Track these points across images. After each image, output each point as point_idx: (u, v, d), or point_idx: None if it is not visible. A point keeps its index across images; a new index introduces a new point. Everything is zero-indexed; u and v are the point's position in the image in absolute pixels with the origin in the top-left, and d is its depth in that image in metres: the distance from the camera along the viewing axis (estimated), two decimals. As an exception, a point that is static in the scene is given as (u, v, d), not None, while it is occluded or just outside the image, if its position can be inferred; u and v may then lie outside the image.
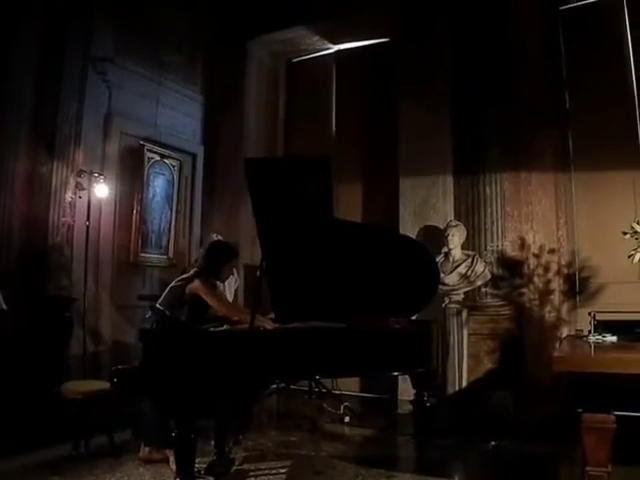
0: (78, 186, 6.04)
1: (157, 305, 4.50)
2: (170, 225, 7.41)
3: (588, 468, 3.31)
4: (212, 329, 4.22)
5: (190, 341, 3.59)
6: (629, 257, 3.93)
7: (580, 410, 3.30)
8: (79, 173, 6.07)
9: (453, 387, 5.83)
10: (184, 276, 4.53)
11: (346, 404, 6.10)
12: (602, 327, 4.25)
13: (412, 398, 4.94)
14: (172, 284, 4.51)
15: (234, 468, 4.45)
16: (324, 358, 3.82)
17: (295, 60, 8.50)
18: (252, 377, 3.57)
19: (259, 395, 4.38)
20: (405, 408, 5.86)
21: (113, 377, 3.79)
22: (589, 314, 4.39)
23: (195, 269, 4.58)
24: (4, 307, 5.09)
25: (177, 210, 7.49)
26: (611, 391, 3.24)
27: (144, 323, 4.61)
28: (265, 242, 4.19)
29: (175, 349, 3.50)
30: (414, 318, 4.74)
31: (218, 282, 4.83)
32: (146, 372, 3.56)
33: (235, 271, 7.10)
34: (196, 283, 4.34)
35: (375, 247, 4.42)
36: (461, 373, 5.85)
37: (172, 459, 4.13)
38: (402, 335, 4.23)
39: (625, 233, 4.02)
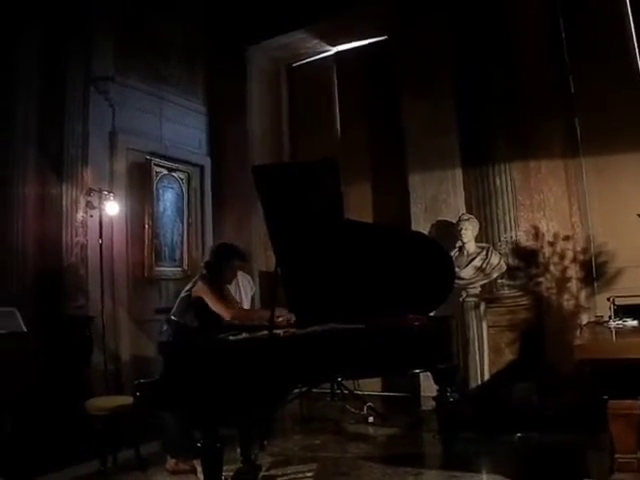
0: (89, 205, 6.09)
1: (171, 317, 4.52)
2: (182, 237, 7.44)
3: (617, 455, 3.29)
4: (231, 337, 4.22)
5: (207, 351, 3.60)
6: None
7: (605, 397, 3.28)
8: (88, 192, 6.11)
9: (475, 381, 5.78)
10: (190, 284, 4.54)
11: (369, 404, 6.09)
12: (622, 312, 4.22)
13: (434, 394, 4.92)
14: (182, 294, 4.53)
15: (261, 474, 4.44)
16: (345, 360, 3.82)
17: (295, 64, 8.51)
18: (274, 384, 3.56)
19: (282, 401, 4.38)
20: (428, 405, 5.84)
21: (136, 391, 3.81)
22: (608, 299, 4.37)
23: (200, 273, 4.59)
24: (24, 329, 5.15)
25: (188, 222, 7.52)
26: (635, 376, 3.22)
27: (161, 336, 4.63)
28: (278, 247, 4.20)
29: (194, 360, 3.51)
30: (433, 314, 4.74)
31: (227, 285, 4.84)
32: (167, 384, 3.57)
33: (250, 278, 7.15)
34: (199, 285, 4.38)
35: (389, 246, 4.41)
36: (482, 366, 5.80)
37: (199, 469, 4.13)
38: (422, 332, 4.22)
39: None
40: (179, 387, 3.50)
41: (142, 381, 3.78)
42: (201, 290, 4.34)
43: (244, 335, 4.20)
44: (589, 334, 3.99)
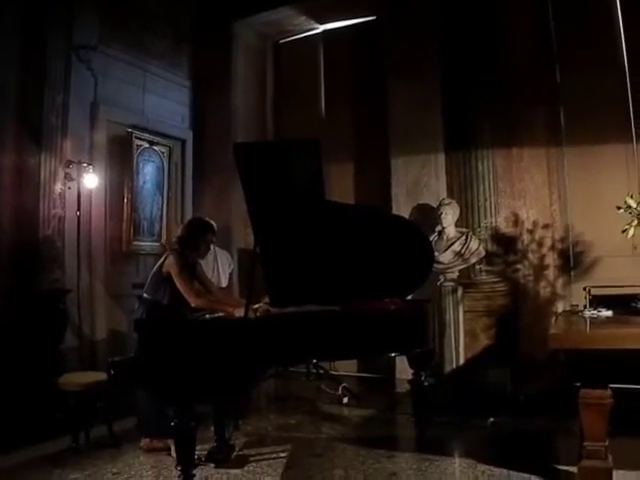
0: (67, 177, 5.96)
1: (143, 294, 4.48)
2: (162, 212, 7.35)
3: (586, 443, 3.36)
4: (207, 316, 4.20)
5: (181, 330, 3.58)
6: (623, 232, 3.94)
7: (577, 385, 3.33)
8: (67, 164, 5.98)
9: (450, 365, 5.85)
10: (162, 259, 4.47)
11: (344, 385, 6.12)
12: (597, 302, 4.27)
13: (410, 377, 4.95)
14: (153, 269, 4.48)
15: (235, 454, 4.46)
16: (320, 342, 3.81)
17: (282, 41, 8.41)
18: (248, 363, 3.55)
19: (257, 381, 4.38)
20: (403, 387, 5.87)
21: (110, 369, 3.77)
22: (584, 289, 4.42)
23: (171, 248, 4.54)
24: (-4, 301, 5.09)
25: (168, 197, 7.43)
26: (607, 366, 3.27)
27: (134, 314, 4.58)
28: (258, 227, 4.14)
29: (168, 339, 3.49)
30: (410, 298, 4.75)
31: (203, 263, 4.79)
32: (141, 363, 3.55)
33: (229, 255, 7.11)
34: (169, 259, 4.31)
35: (368, 228, 4.37)
36: (458, 351, 5.87)
37: (173, 447, 4.12)
38: (398, 316, 4.23)
39: (619, 208, 4.02)
40: (153, 365, 3.48)
41: (116, 359, 3.75)
42: (170, 265, 4.27)
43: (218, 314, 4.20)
44: (564, 323, 4.04)
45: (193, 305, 4.18)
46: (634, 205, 3.93)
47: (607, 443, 3.33)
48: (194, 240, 4.47)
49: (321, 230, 4.20)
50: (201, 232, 4.54)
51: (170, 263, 4.28)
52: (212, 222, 4.73)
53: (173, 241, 4.70)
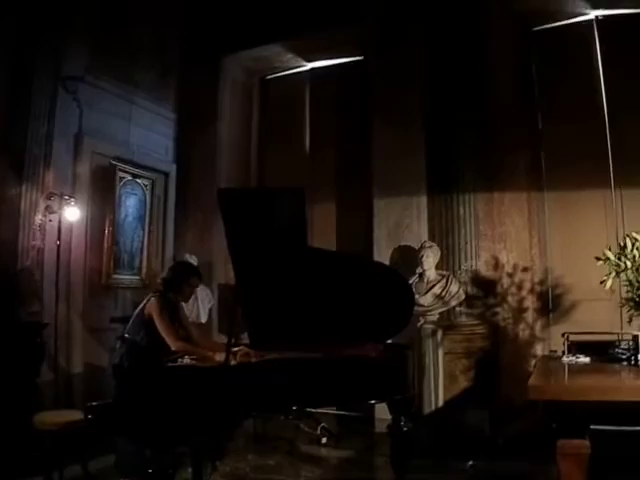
0: (48, 209, 5.91)
1: (125, 334, 4.42)
2: (142, 245, 7.33)
3: (564, 492, 3.35)
4: (185, 363, 4.16)
5: (160, 377, 3.56)
6: (601, 283, 3.98)
7: (555, 427, 3.34)
8: (49, 196, 5.94)
9: (430, 407, 5.83)
10: (145, 300, 4.43)
11: (323, 425, 6.06)
12: (575, 348, 4.31)
13: (388, 417, 4.89)
14: (136, 311, 4.44)
15: (212, 497, 4.40)
16: (300, 389, 3.78)
17: (269, 77, 8.49)
18: (226, 412, 3.51)
19: (235, 428, 4.33)
20: (382, 427, 5.76)
21: (87, 414, 3.70)
22: (562, 335, 4.45)
23: (155, 289, 4.51)
24: (-27, 335, 5.00)
25: (149, 230, 7.42)
26: (585, 417, 3.29)
27: (115, 354, 4.52)
28: (239, 271, 4.14)
29: (146, 386, 3.46)
30: (390, 342, 4.75)
31: (187, 307, 4.77)
32: (119, 409, 3.50)
33: (209, 291, 7.10)
34: (152, 302, 4.25)
35: (349, 274, 4.39)
36: (437, 392, 5.86)
37: (149, 489, 4.06)
38: (379, 364, 4.21)
39: (598, 259, 4.08)
40: (131, 412, 3.43)
41: (94, 403, 3.68)
42: (153, 308, 4.21)
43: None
44: (543, 372, 4.06)
45: (173, 348, 4.13)
46: (612, 257, 3.99)
47: (586, 492, 3.33)
48: (179, 283, 4.43)
49: (303, 276, 4.21)
50: (186, 276, 4.50)
51: (152, 305, 4.22)
52: (197, 267, 4.75)
53: (158, 282, 4.66)
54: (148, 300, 4.34)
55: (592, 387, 3.42)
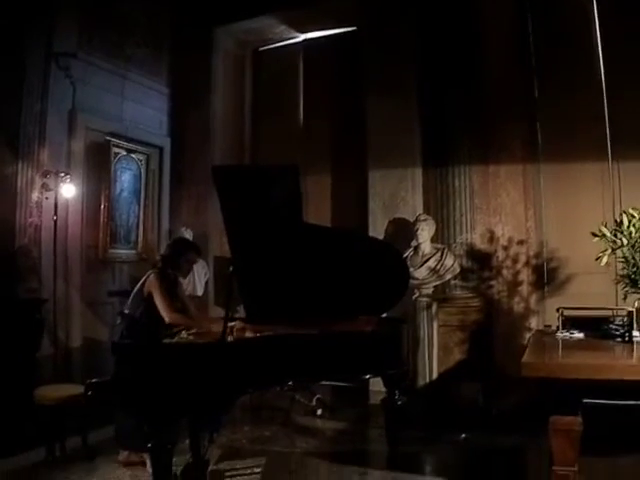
0: (44, 187, 5.93)
1: (125, 310, 4.49)
2: (138, 220, 7.36)
3: (555, 467, 3.42)
4: (182, 339, 4.22)
5: (158, 355, 3.61)
6: (597, 259, 4.01)
7: (547, 403, 3.40)
8: (45, 174, 5.96)
9: (424, 379, 5.92)
10: (144, 277, 4.50)
11: (318, 396, 6.16)
12: (570, 323, 4.35)
13: (383, 389, 4.97)
14: (136, 287, 4.50)
15: (210, 469, 4.48)
16: (296, 365, 3.86)
17: (262, 49, 8.41)
18: (224, 388, 3.58)
19: (232, 404, 4.42)
20: (376, 398, 5.90)
21: (87, 390, 3.77)
22: (557, 310, 4.48)
23: (154, 267, 4.58)
24: (-27, 312, 5.06)
25: (145, 204, 7.44)
26: (578, 394, 3.34)
27: (115, 330, 4.59)
28: (235, 247, 4.20)
29: (145, 363, 3.51)
30: (385, 315, 4.81)
31: (184, 281, 4.83)
32: (119, 386, 3.56)
33: (205, 264, 7.14)
34: (151, 279, 4.35)
35: (344, 249, 4.47)
36: (431, 365, 5.93)
37: (149, 462, 4.15)
38: (374, 338, 4.27)
39: (594, 235, 4.09)
40: (131, 389, 3.50)
41: (94, 380, 3.74)
42: (152, 285, 4.31)
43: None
44: (536, 348, 4.10)
45: (168, 321, 4.21)
46: (608, 234, 4.00)
47: (576, 468, 3.40)
48: (177, 259, 4.52)
49: (298, 251, 4.27)
50: (184, 251, 4.58)
51: (151, 282, 4.32)
52: (195, 243, 4.84)
53: (156, 259, 4.72)
54: (147, 277, 4.41)
55: (585, 365, 3.44)
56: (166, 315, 4.22)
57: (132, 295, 4.49)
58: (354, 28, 7.57)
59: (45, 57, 6.16)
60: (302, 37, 8.10)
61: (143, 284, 4.40)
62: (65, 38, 6.37)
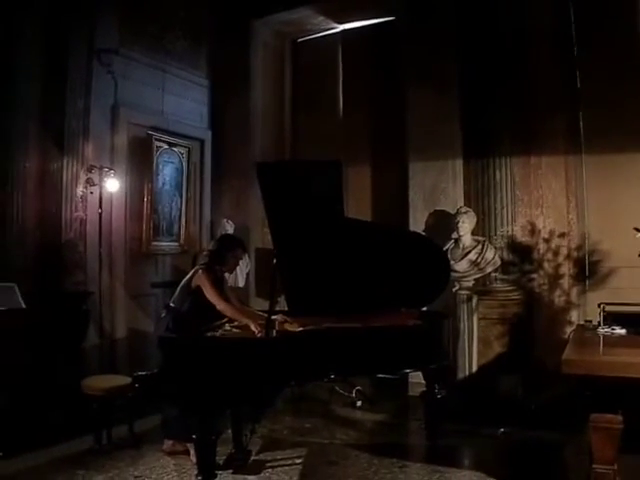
0: (89, 182, 6.09)
1: (171, 304, 4.60)
2: (180, 212, 7.47)
3: (595, 465, 3.41)
4: (227, 327, 4.32)
5: (205, 349, 3.71)
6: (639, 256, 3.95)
7: (588, 393, 3.39)
8: (89, 169, 6.11)
9: (463, 372, 5.92)
10: (191, 273, 4.61)
11: (358, 388, 6.20)
12: (611, 319, 4.30)
13: (422, 381, 5.00)
14: (182, 282, 4.61)
15: (251, 459, 4.58)
16: (338, 360, 3.90)
17: (300, 40, 8.41)
18: (268, 381, 3.67)
19: (276, 396, 4.50)
20: (416, 390, 5.90)
21: (135, 382, 3.90)
22: (599, 306, 4.43)
23: (201, 262, 4.68)
24: (22, 305, 5.21)
25: (187, 197, 7.55)
26: (619, 392, 3.32)
27: (160, 323, 4.70)
28: (279, 242, 4.26)
29: (192, 357, 3.61)
30: (427, 309, 4.83)
31: (226, 275, 4.92)
32: (166, 379, 3.67)
33: (246, 255, 7.22)
34: (199, 274, 4.45)
35: (385, 244, 4.49)
36: (471, 358, 5.93)
37: (193, 452, 4.27)
38: (416, 333, 4.29)
39: (637, 230, 4.03)
40: (178, 382, 3.60)
41: (141, 373, 3.86)
42: (200, 279, 4.42)
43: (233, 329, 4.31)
44: (577, 344, 4.07)
45: (220, 309, 4.33)
46: (652, 230, 3.94)
47: (616, 467, 3.38)
48: (224, 255, 4.65)
49: (340, 246, 4.32)
50: (231, 248, 4.72)
51: (200, 277, 4.42)
52: (241, 239, 5.00)
53: (203, 254, 4.85)
54: (195, 272, 4.52)
55: (627, 363, 3.41)
56: (218, 304, 4.34)
57: (178, 289, 4.60)
58: (392, 18, 7.50)
59: (87, 54, 6.28)
60: (340, 28, 8.06)
61: (190, 279, 4.51)
62: (106, 35, 6.49)
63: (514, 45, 6.21)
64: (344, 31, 8.07)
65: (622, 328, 4.10)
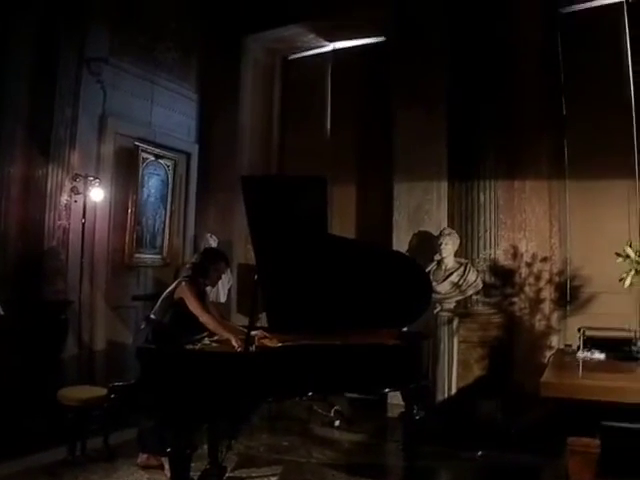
0: (74, 190, 6.04)
1: (151, 315, 4.56)
2: (164, 225, 7.43)
3: (571, 489, 3.41)
4: (206, 341, 4.29)
5: (182, 362, 3.67)
6: (620, 280, 3.99)
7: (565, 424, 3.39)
8: (74, 177, 6.06)
9: (442, 394, 5.91)
10: (174, 285, 4.59)
11: (336, 408, 6.17)
12: (591, 343, 4.32)
13: (401, 402, 4.97)
14: (164, 293, 4.58)
15: (226, 475, 4.53)
16: (316, 378, 3.87)
17: (291, 57, 8.47)
18: (245, 396, 3.63)
19: (252, 412, 4.46)
20: (394, 412, 5.93)
21: (111, 393, 3.85)
22: (578, 330, 4.46)
23: (184, 274, 4.67)
24: (1, 312, 5.14)
25: (171, 210, 7.52)
26: (596, 416, 3.33)
27: (139, 334, 4.66)
28: (260, 257, 4.23)
29: (169, 370, 3.57)
30: (407, 329, 4.82)
31: (208, 288, 4.90)
32: (142, 390, 3.62)
33: (229, 271, 7.18)
34: (182, 286, 4.44)
35: (368, 262, 4.47)
36: (450, 380, 5.92)
37: (167, 466, 4.21)
38: (395, 353, 4.27)
39: (618, 255, 4.07)
40: (154, 394, 3.56)
41: (117, 384, 3.81)
42: (184, 291, 4.40)
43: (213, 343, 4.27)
44: (556, 368, 4.08)
45: (202, 320, 4.30)
46: (632, 255, 3.98)
47: (593, 491, 3.39)
48: (207, 268, 4.64)
49: (322, 263, 4.29)
50: (214, 261, 4.71)
51: (183, 289, 4.41)
52: (224, 253, 4.99)
53: (186, 267, 4.85)
54: (178, 284, 4.50)
55: (605, 387, 3.44)
56: (202, 316, 4.32)
57: (160, 300, 4.57)
58: (383, 39, 7.59)
59: (77, 62, 6.26)
60: (331, 46, 8.12)
61: (173, 291, 4.49)
62: (97, 43, 6.48)
63: (501, 69, 6.30)
64: (334, 50, 8.13)
65: (601, 353, 4.13)
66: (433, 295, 5.40)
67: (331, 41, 8.09)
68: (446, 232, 6.09)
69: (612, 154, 5.99)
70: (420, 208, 6.64)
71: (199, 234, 7.70)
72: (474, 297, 6.11)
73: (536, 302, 6.07)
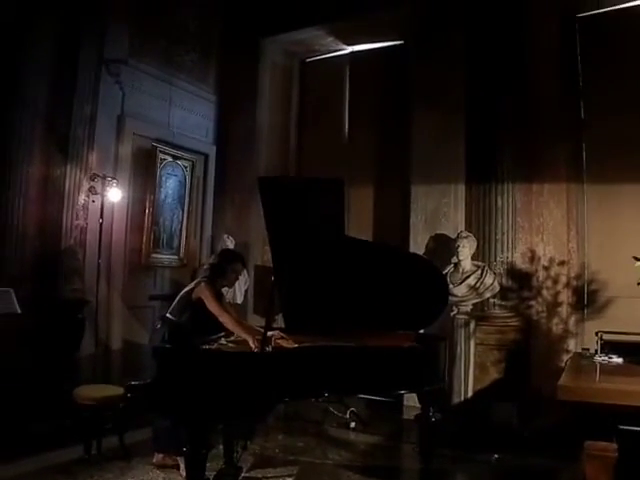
0: (91, 190, 6.09)
1: (167, 315, 4.58)
2: (182, 226, 7.47)
3: (589, 495, 3.38)
4: (223, 341, 4.30)
5: (200, 362, 3.67)
6: (638, 284, 3.94)
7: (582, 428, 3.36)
8: (92, 177, 6.11)
9: (459, 397, 5.87)
10: (192, 285, 4.60)
11: (352, 409, 6.15)
12: (608, 347, 4.29)
13: (417, 405, 4.94)
14: (181, 293, 4.60)
15: (242, 476, 4.53)
16: (333, 378, 3.86)
17: (309, 60, 8.48)
18: (261, 397, 3.63)
19: (268, 413, 4.47)
20: (410, 414, 5.89)
21: (127, 392, 3.86)
22: (596, 334, 4.43)
23: (202, 275, 4.68)
24: (18, 310, 5.20)
25: (189, 211, 7.55)
26: (613, 420, 3.30)
27: (154, 334, 4.68)
28: (278, 258, 4.24)
29: (186, 369, 3.58)
30: (424, 332, 4.80)
31: (225, 289, 4.92)
32: (159, 390, 3.63)
33: (245, 272, 7.21)
34: (201, 286, 4.44)
35: (385, 264, 4.46)
36: (467, 383, 5.89)
37: (182, 466, 4.23)
38: (412, 354, 4.25)
39: (637, 259, 4.03)
40: (170, 393, 3.57)
41: (134, 383, 3.82)
42: (203, 292, 4.40)
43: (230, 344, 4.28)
44: (573, 371, 4.05)
45: (221, 319, 4.30)
46: (651, 259, 3.94)
47: (611, 496, 3.35)
48: (225, 268, 4.63)
49: (339, 265, 4.29)
50: (232, 262, 4.71)
51: (202, 290, 4.40)
52: (242, 254, 5.05)
53: (204, 267, 4.87)
54: (197, 284, 4.50)
55: (622, 391, 3.40)
56: (221, 316, 4.31)
57: (177, 300, 4.58)
58: (401, 42, 7.59)
59: (97, 62, 6.33)
60: (349, 49, 8.13)
61: (190, 291, 4.49)
62: (116, 44, 6.55)
63: (520, 72, 6.27)
64: (352, 52, 8.13)
65: (619, 357, 4.10)
66: (450, 298, 5.39)
67: (349, 44, 8.10)
68: (463, 235, 6.06)
69: (630, 158, 5.94)
70: (437, 211, 6.62)
71: (216, 235, 7.72)
72: (491, 300, 6.07)
73: (553, 306, 6.02)
